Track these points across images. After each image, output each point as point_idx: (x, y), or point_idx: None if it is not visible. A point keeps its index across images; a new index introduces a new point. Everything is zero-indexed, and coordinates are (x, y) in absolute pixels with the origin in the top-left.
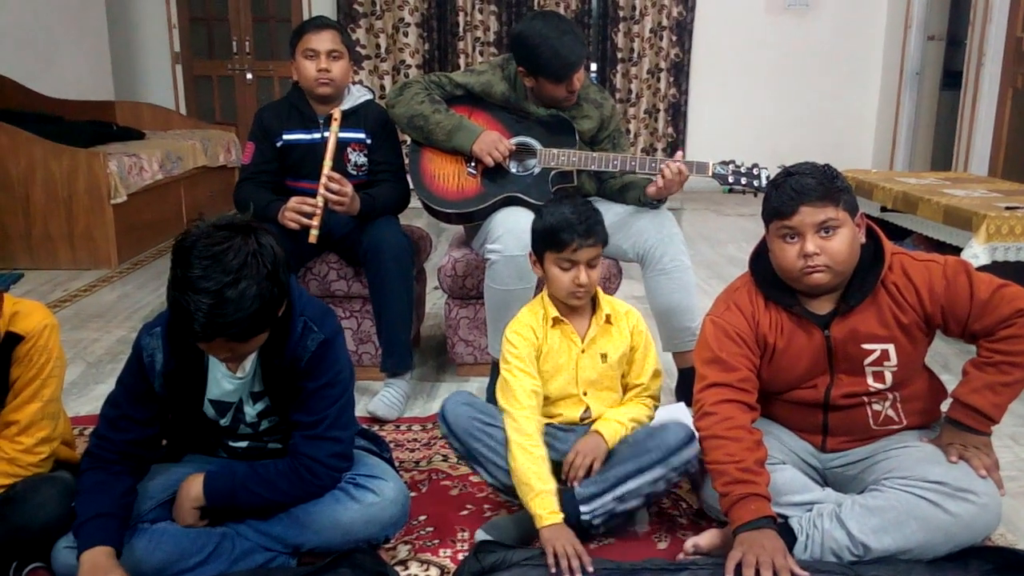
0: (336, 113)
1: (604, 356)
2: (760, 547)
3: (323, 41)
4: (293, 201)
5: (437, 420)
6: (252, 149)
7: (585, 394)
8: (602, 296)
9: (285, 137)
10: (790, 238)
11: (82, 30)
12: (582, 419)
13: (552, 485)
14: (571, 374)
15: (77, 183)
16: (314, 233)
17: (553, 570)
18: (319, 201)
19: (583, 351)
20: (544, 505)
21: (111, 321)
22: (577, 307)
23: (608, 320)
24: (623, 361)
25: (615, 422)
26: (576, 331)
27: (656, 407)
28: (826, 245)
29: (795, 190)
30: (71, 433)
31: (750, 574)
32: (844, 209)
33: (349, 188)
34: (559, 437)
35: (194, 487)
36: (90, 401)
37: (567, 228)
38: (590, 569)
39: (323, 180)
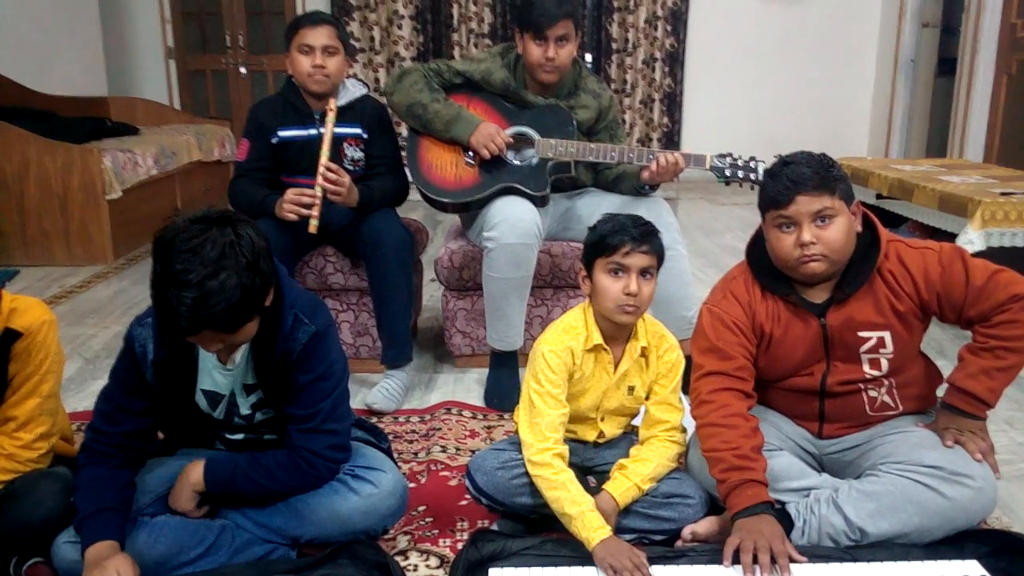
0: (332, 104)
1: (631, 389)
2: (758, 532)
3: (318, 36)
4: (291, 193)
5: (470, 493)
6: (247, 146)
7: (602, 420)
8: (644, 324)
9: (280, 133)
10: (786, 227)
11: (76, 26)
12: (595, 441)
13: (587, 501)
14: (595, 401)
15: (72, 179)
16: (313, 223)
17: None
18: (317, 191)
19: (614, 384)
20: (586, 526)
21: (107, 317)
22: (624, 324)
23: (643, 353)
24: (646, 389)
25: (634, 486)
26: (612, 359)
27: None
28: (822, 234)
29: (791, 179)
30: (69, 429)
31: (748, 559)
32: (840, 198)
33: (347, 179)
34: (574, 449)
35: (195, 472)
36: (88, 397)
37: (620, 231)
38: None
39: (320, 170)
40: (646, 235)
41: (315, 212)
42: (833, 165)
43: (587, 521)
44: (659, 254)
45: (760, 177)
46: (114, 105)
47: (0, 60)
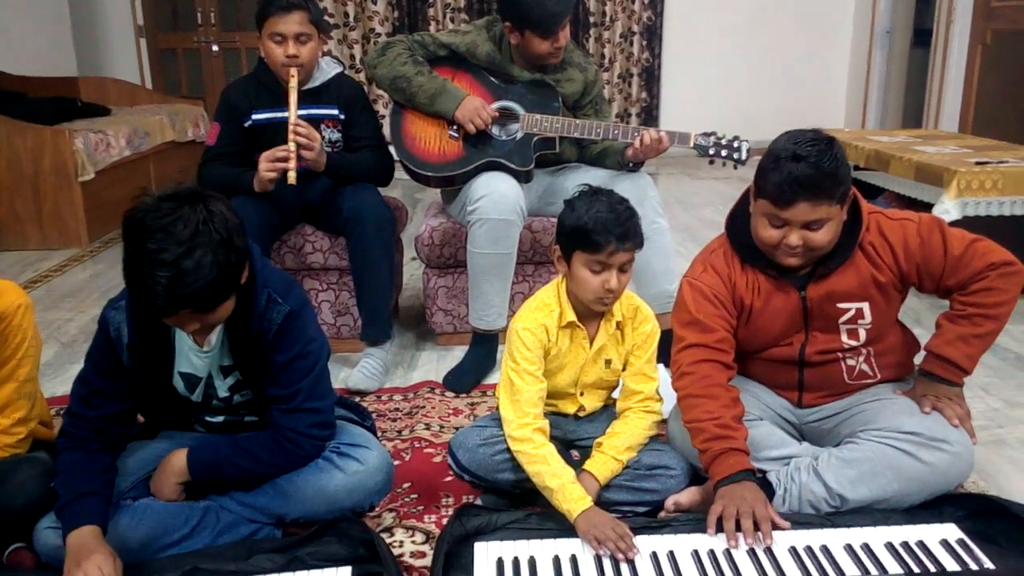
0: (293, 71)
1: (608, 362)
2: (741, 499)
3: (290, 24)
4: (264, 154)
5: (453, 470)
6: (217, 130)
7: (582, 394)
8: (620, 298)
9: (255, 117)
10: (776, 222)
11: (42, 3)
12: (575, 414)
13: (567, 474)
14: (573, 376)
15: (43, 161)
16: (291, 175)
17: (604, 557)
18: (291, 146)
19: (591, 359)
20: (567, 498)
21: (84, 300)
22: (598, 311)
23: (618, 327)
24: (622, 361)
25: (612, 459)
26: (587, 336)
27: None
28: (810, 237)
29: (796, 182)
30: (48, 413)
31: (731, 525)
32: (838, 202)
33: (317, 135)
34: (555, 423)
35: (177, 462)
36: (65, 381)
37: (604, 230)
38: (636, 550)
39: (291, 127)
40: (629, 232)
41: (291, 164)
42: (840, 164)
43: (568, 493)
44: (641, 244)
45: (743, 157)
46: (84, 85)
47: None
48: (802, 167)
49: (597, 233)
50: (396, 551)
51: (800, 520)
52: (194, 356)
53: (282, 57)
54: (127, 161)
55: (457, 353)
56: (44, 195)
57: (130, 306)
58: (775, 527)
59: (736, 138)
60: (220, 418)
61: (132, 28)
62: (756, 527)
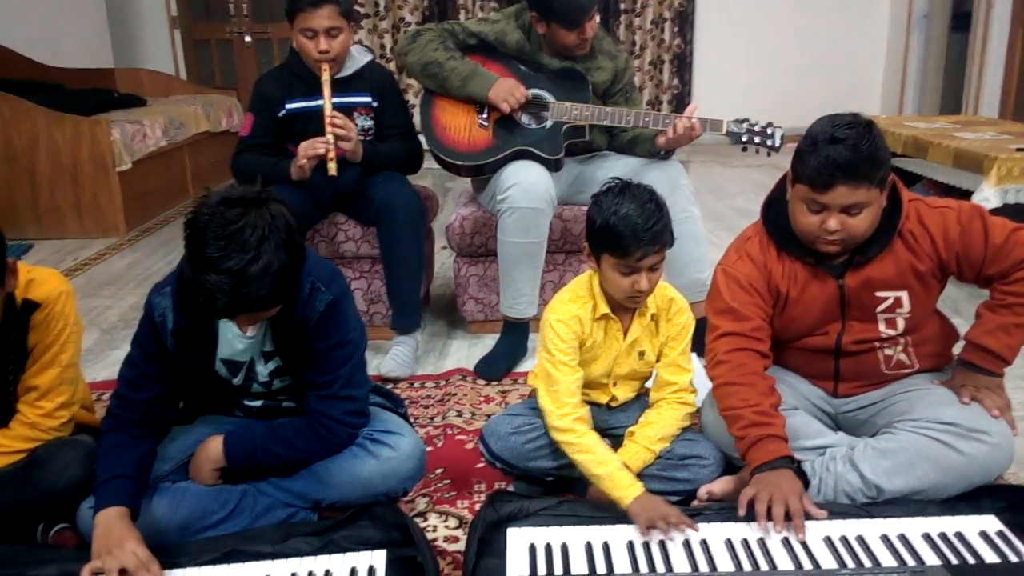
0: (325, 65)
1: (642, 354)
2: (776, 486)
3: (320, 19)
4: (303, 145)
5: (485, 457)
6: (251, 121)
7: (614, 384)
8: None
9: (288, 106)
10: (814, 207)
11: None
12: (608, 404)
13: (613, 461)
14: (606, 367)
15: (81, 152)
16: (332, 166)
17: (652, 542)
18: (328, 137)
19: (624, 350)
20: (617, 485)
21: (122, 288)
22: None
23: (653, 319)
24: (656, 353)
25: (644, 449)
26: (621, 327)
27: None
28: (849, 223)
29: (835, 165)
30: (90, 398)
31: (763, 508)
32: (877, 186)
33: (352, 126)
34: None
35: (213, 449)
36: (106, 367)
37: (631, 234)
38: (695, 529)
39: (327, 119)
40: (658, 234)
41: (331, 154)
42: (879, 148)
43: (616, 480)
44: (670, 244)
45: (776, 144)
46: (120, 76)
47: (8, 34)
48: (840, 149)
49: (624, 238)
50: (429, 535)
51: (836, 510)
52: (237, 341)
53: (314, 52)
54: (163, 151)
55: (488, 341)
56: (83, 185)
57: (176, 292)
58: (809, 517)
59: (769, 124)
60: (259, 403)
61: (166, 20)
62: (788, 517)
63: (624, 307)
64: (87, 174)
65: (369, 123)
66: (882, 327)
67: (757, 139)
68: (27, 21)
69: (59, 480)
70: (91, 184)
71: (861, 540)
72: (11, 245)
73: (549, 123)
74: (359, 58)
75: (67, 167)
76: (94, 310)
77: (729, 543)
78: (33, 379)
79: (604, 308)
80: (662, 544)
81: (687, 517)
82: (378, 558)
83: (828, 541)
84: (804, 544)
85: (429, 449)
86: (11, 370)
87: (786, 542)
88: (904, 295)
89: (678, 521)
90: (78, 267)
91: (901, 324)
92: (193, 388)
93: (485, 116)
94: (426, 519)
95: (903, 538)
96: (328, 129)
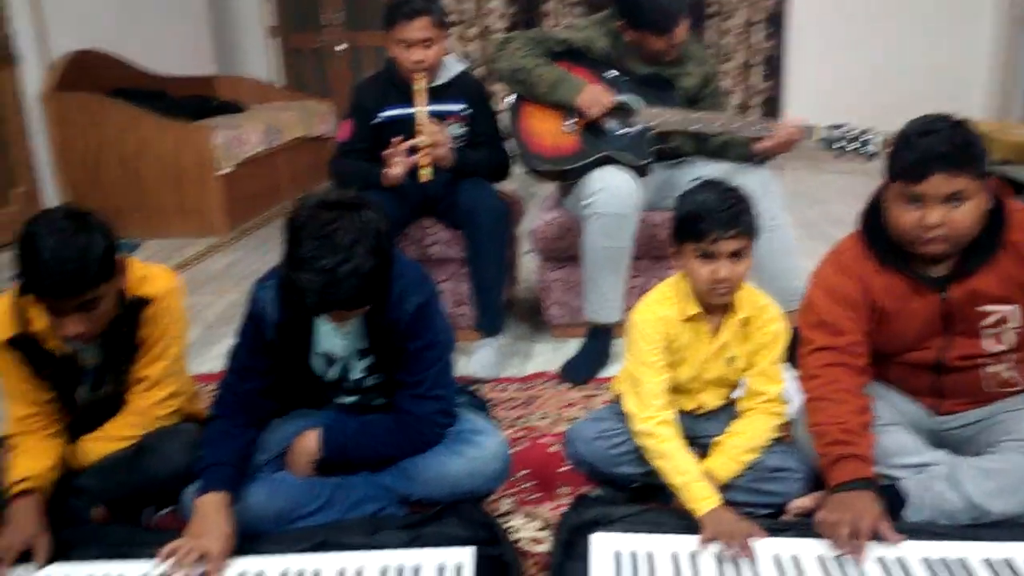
0: (419, 75)
1: (731, 359)
2: (849, 508)
3: (415, 30)
4: (386, 152)
5: (570, 461)
6: (349, 126)
7: (702, 391)
8: (744, 294)
9: (382, 114)
10: (913, 202)
11: (183, 6)
12: (693, 412)
13: (692, 470)
14: (694, 372)
15: (184, 156)
16: (425, 172)
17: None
18: (422, 141)
19: (713, 354)
20: (693, 496)
21: (223, 286)
22: (718, 304)
23: (745, 323)
24: (746, 360)
25: (732, 460)
26: (710, 330)
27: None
28: (951, 216)
29: (929, 154)
30: (193, 389)
31: (834, 533)
32: (976, 178)
33: (446, 134)
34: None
35: (311, 442)
36: (208, 361)
37: (707, 215)
38: (751, 557)
39: (419, 127)
40: (735, 217)
41: (425, 160)
42: (974, 139)
43: (693, 491)
44: (751, 232)
45: (873, 150)
46: (220, 83)
47: (116, 41)
48: (932, 139)
49: (700, 219)
50: (514, 536)
51: (936, 531)
52: (335, 337)
53: (408, 63)
54: (261, 156)
55: (572, 345)
56: (186, 187)
57: (279, 286)
58: (887, 541)
59: (866, 131)
60: (351, 399)
61: (264, 29)
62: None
63: (713, 309)
64: (190, 177)
65: (461, 131)
66: (987, 343)
67: (852, 146)
68: (135, 30)
69: (164, 467)
70: (194, 187)
71: (962, 563)
72: (121, 243)
73: (636, 129)
74: (453, 67)
75: (171, 170)
76: (196, 306)
77: (821, 560)
78: (144, 370)
79: (693, 308)
80: (749, 559)
81: (757, 535)
82: (466, 555)
83: (926, 563)
84: (902, 563)
85: (513, 451)
86: (123, 360)
87: (880, 561)
88: (1011, 310)
89: (741, 543)
90: (181, 265)
91: (1008, 340)
92: (288, 383)
93: (572, 122)
94: (511, 520)
95: (1008, 563)
96: (421, 136)
